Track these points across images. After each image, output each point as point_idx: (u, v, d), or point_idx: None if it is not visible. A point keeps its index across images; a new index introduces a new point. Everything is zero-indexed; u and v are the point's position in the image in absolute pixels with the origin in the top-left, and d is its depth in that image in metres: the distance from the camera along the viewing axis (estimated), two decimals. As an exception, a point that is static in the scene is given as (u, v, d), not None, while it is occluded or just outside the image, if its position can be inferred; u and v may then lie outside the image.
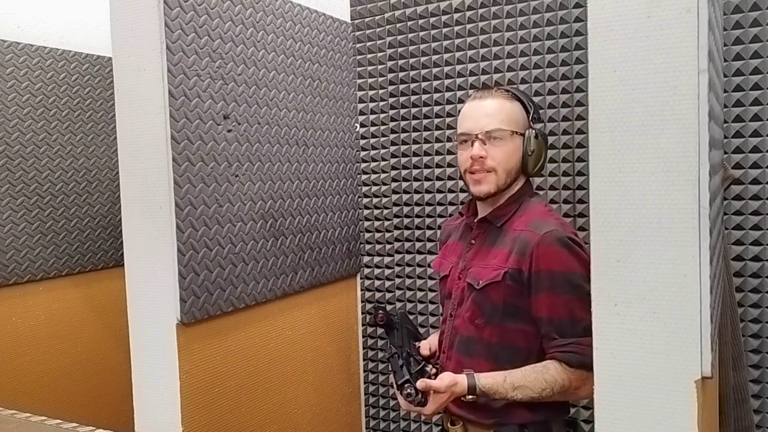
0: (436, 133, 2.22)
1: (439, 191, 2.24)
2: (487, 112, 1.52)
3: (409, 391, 1.47)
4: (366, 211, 2.40)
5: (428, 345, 1.71)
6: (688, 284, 1.01)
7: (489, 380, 1.45)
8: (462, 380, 1.45)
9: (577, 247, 1.44)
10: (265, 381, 1.97)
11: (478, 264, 1.54)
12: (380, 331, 2.41)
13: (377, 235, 2.38)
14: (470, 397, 1.45)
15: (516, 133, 1.52)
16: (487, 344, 1.51)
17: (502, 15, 2.06)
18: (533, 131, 1.53)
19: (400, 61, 2.26)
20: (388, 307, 2.35)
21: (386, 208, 2.35)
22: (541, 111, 1.70)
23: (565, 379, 1.42)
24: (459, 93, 2.15)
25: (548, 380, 1.42)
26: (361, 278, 2.43)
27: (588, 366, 1.39)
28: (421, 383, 1.47)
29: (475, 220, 1.61)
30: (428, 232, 2.28)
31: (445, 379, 1.47)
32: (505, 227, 1.53)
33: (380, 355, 2.43)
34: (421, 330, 2.24)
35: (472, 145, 1.52)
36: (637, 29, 1.03)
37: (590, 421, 1.96)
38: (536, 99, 2.01)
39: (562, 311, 1.42)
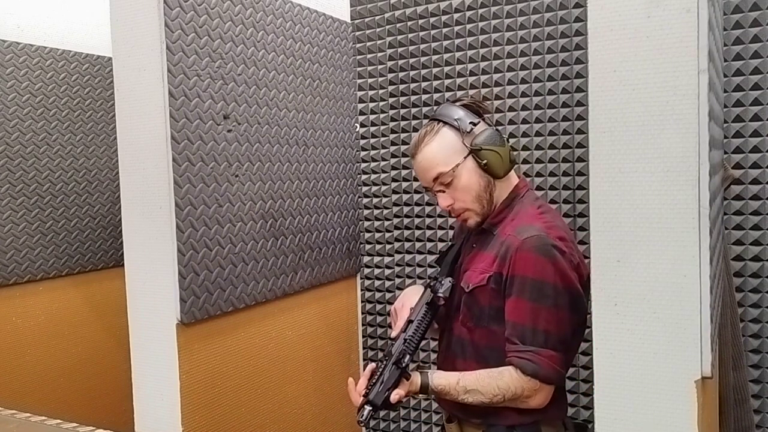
0: (436, 133, 2.21)
1: (439, 191, 2.24)
2: (423, 168, 1.55)
3: (363, 412, 1.42)
4: (366, 211, 2.40)
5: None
6: (688, 284, 1.01)
7: (442, 381, 1.47)
8: (416, 379, 1.47)
9: (559, 255, 1.42)
10: (265, 381, 1.97)
11: (472, 268, 1.56)
12: (380, 330, 2.42)
13: (377, 235, 2.38)
14: (422, 396, 1.47)
15: (459, 163, 1.51)
16: (477, 346, 1.53)
17: (502, 15, 2.06)
18: (476, 143, 1.50)
19: (400, 61, 2.26)
20: (388, 308, 2.34)
21: (386, 208, 2.35)
22: (487, 111, 1.62)
23: (518, 387, 1.42)
24: (459, 93, 2.15)
25: (501, 387, 1.42)
26: (361, 278, 2.43)
27: (541, 377, 1.40)
28: (395, 396, 1.42)
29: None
30: (428, 232, 2.28)
31: (411, 382, 1.47)
32: (498, 232, 1.54)
33: (380, 355, 2.43)
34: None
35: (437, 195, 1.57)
36: (637, 29, 1.03)
37: (590, 421, 1.95)
38: (536, 99, 2.01)
39: (526, 317, 1.42)
